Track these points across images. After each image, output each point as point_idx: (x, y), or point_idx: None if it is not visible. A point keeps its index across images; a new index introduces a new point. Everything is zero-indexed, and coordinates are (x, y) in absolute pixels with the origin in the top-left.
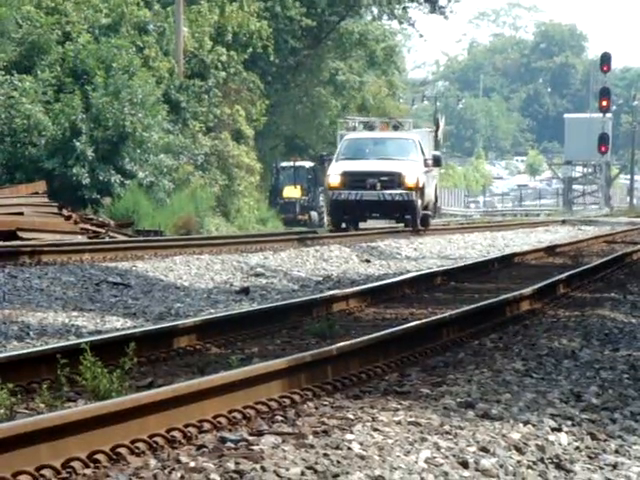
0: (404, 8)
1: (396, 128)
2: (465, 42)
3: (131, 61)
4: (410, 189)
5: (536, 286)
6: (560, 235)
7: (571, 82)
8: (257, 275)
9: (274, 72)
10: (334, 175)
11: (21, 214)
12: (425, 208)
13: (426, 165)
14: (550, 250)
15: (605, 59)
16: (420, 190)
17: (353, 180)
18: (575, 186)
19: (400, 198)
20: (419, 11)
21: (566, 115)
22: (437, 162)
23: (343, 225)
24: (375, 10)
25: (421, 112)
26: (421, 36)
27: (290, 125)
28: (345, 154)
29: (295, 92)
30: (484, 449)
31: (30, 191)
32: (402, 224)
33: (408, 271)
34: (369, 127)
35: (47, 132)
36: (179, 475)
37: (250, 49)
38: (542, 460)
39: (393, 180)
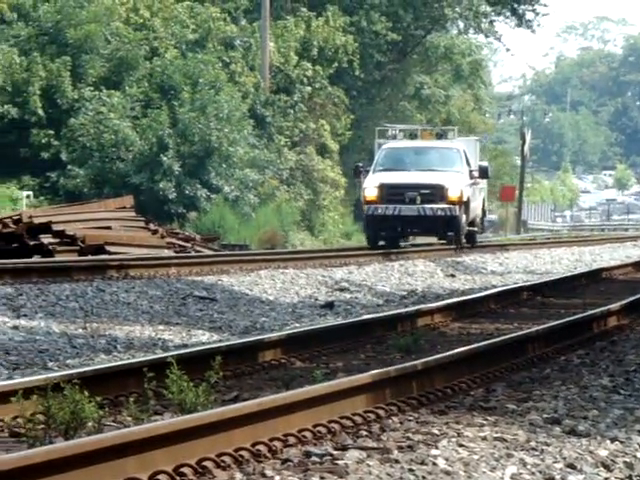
0: (491, 22)
1: (440, 137)
2: (552, 56)
3: (217, 76)
4: (453, 203)
5: (624, 301)
6: None
7: None
8: (342, 289)
9: (359, 86)
10: (370, 188)
11: (109, 228)
12: (471, 224)
13: (472, 177)
14: (639, 265)
15: None
16: (465, 204)
17: (391, 193)
18: None
19: (442, 213)
20: (506, 24)
21: None
22: (484, 174)
23: (381, 242)
24: (461, 24)
25: (507, 126)
26: (508, 50)
27: (374, 139)
28: (383, 165)
29: (380, 106)
30: (571, 466)
31: (118, 205)
32: (444, 241)
33: (494, 286)
34: (410, 135)
35: (134, 147)
36: None
37: (335, 64)
38: (630, 478)
39: (435, 193)
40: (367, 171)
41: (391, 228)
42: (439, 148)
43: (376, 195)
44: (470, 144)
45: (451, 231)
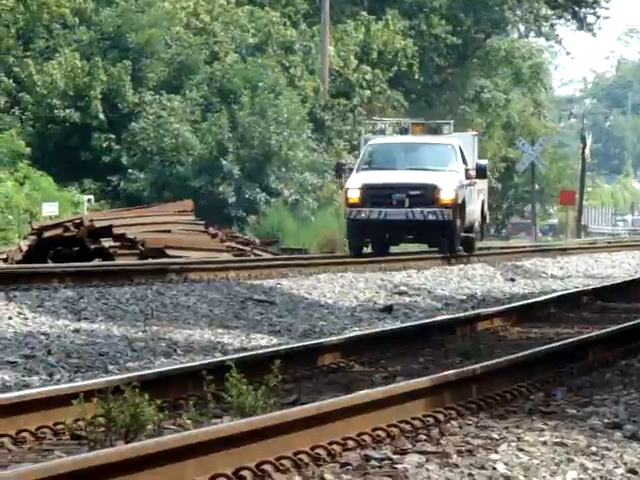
0: (551, 25)
1: (433, 131)
2: (613, 59)
3: (277, 80)
4: (446, 206)
5: None
6: None
7: None
8: (400, 293)
9: (419, 90)
10: (353, 189)
11: (169, 232)
12: (468, 230)
13: (468, 177)
14: None
15: None
16: (459, 207)
17: (376, 195)
18: None
19: (434, 217)
20: (566, 28)
21: None
22: (482, 173)
23: (366, 250)
24: (522, 27)
25: (568, 130)
26: (568, 53)
27: None
28: (368, 163)
29: (439, 110)
30: (632, 471)
31: (177, 209)
32: (436, 249)
33: (554, 290)
34: (400, 130)
35: (194, 151)
36: None
37: (395, 67)
38: None
39: (425, 195)
40: (351, 169)
41: (376, 234)
42: (431, 144)
43: (359, 197)
44: (467, 140)
45: (444, 238)
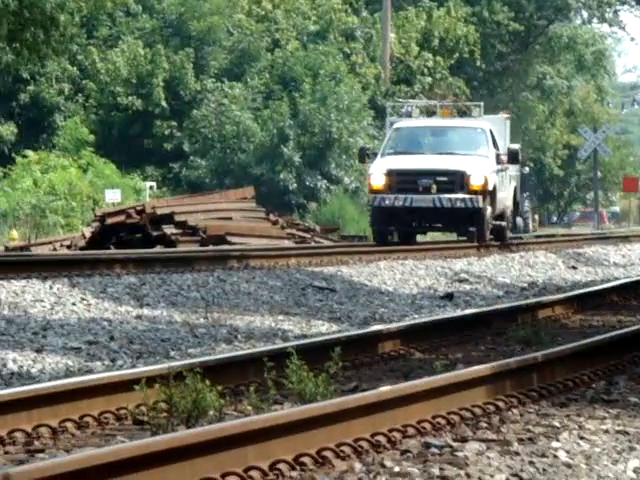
0: (615, 11)
1: (462, 114)
2: None
3: (338, 67)
4: (476, 192)
5: None
6: None
7: None
8: (461, 281)
9: (480, 77)
10: (377, 175)
11: (230, 219)
12: (499, 218)
13: (499, 162)
14: None
15: None
16: (490, 194)
17: (401, 181)
18: None
19: (462, 205)
20: (630, 14)
21: None
22: (514, 158)
23: (391, 238)
24: (585, 14)
25: (631, 117)
26: (632, 39)
27: None
28: (393, 147)
29: (502, 97)
30: None
31: (239, 196)
32: (465, 237)
33: (616, 278)
34: (427, 112)
35: (256, 138)
36: (384, 479)
37: (456, 54)
38: None
39: (454, 181)
40: (375, 154)
41: (401, 222)
42: (460, 128)
43: (384, 183)
44: (499, 123)
45: (473, 226)
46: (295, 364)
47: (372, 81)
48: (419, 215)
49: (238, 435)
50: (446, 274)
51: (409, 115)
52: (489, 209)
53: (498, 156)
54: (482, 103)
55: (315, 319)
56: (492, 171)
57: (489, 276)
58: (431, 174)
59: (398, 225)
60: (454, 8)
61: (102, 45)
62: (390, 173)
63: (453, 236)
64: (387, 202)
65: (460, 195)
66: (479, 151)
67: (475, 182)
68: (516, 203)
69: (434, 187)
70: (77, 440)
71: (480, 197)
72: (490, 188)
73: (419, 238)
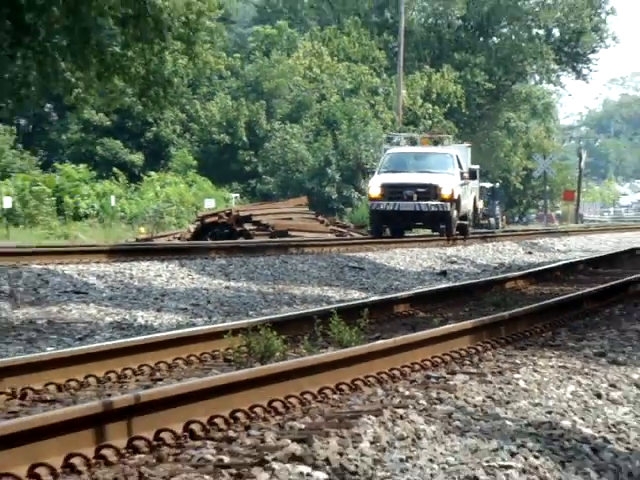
0: (557, 76)
1: (436, 143)
2: (601, 99)
3: (366, 114)
4: (445, 200)
5: None
6: None
7: None
8: (452, 262)
9: (465, 120)
10: (374, 187)
11: (290, 219)
12: (463, 218)
13: (462, 178)
14: None
15: None
16: (455, 201)
17: (391, 191)
18: None
19: (435, 209)
20: (568, 77)
21: None
22: (473, 175)
23: (385, 233)
24: (537, 77)
25: (570, 148)
26: (569, 95)
27: (476, 158)
28: (387, 167)
29: (479, 135)
30: (613, 385)
31: (296, 203)
32: (437, 234)
33: (559, 260)
34: (412, 142)
35: (308, 163)
36: (398, 400)
37: (448, 104)
38: None
39: (429, 192)
40: (373, 172)
41: (391, 221)
42: (434, 153)
43: (379, 193)
44: (462, 150)
45: (443, 224)
46: (336, 320)
47: (389, 123)
48: (404, 216)
49: (295, 370)
50: (441, 257)
51: (398, 144)
52: (455, 212)
53: (462, 174)
54: (451, 135)
55: (350, 289)
56: (457, 184)
57: (471, 259)
58: (413, 187)
59: (389, 224)
60: (447, 72)
61: (203, 98)
62: (384, 186)
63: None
64: (381, 207)
65: (434, 202)
66: (447, 170)
67: (444, 193)
68: (475, 208)
69: (415, 196)
70: (185, 372)
71: (448, 203)
72: (455, 197)
73: (418, 232)
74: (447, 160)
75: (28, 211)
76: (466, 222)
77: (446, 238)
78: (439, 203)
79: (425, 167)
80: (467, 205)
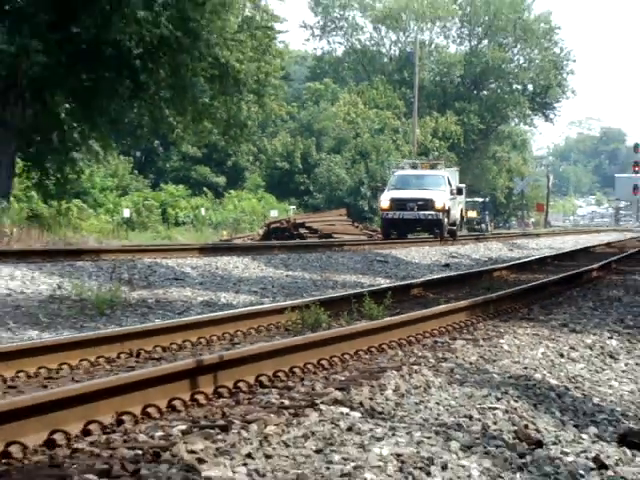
0: (531, 119)
1: (432, 167)
2: (563, 136)
3: (389, 147)
4: (438, 211)
5: (600, 263)
6: (613, 237)
7: (620, 156)
8: (453, 257)
9: (463, 152)
10: (385, 200)
11: (334, 225)
12: (452, 225)
13: (452, 194)
14: (607, 245)
15: (636, 147)
16: (446, 212)
17: (398, 204)
18: (622, 211)
19: (431, 217)
20: (539, 120)
21: (616, 175)
22: (459, 192)
23: (392, 236)
24: (516, 120)
25: (540, 173)
26: (540, 133)
27: (471, 180)
28: (394, 185)
29: (474, 162)
30: (572, 348)
31: (338, 213)
32: (432, 236)
33: (533, 255)
34: (414, 167)
35: (347, 183)
36: (413, 359)
37: (451, 140)
38: (602, 353)
39: (426, 204)
40: (383, 190)
41: (397, 227)
42: (431, 175)
43: (388, 205)
44: (452, 173)
45: (437, 229)
46: (367, 300)
47: (407, 154)
48: (407, 223)
49: (337, 337)
50: (445, 254)
51: (403, 168)
52: (446, 220)
53: (451, 190)
54: (443, 161)
55: (378, 277)
56: (447, 199)
57: (467, 254)
58: (414, 200)
59: (396, 229)
60: (449, 116)
61: (269, 136)
62: (392, 200)
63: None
64: (390, 216)
65: (430, 212)
66: (440, 188)
67: (438, 205)
68: (462, 217)
69: (416, 207)
70: (256, 338)
71: (441, 213)
72: (446, 208)
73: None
74: (440, 180)
75: (141, 219)
76: (455, 227)
77: (439, 240)
78: (433, 213)
79: (423, 185)
80: (455, 214)
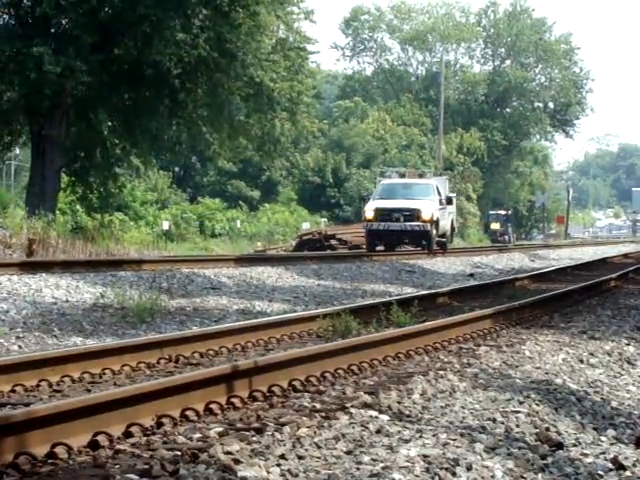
0: (552, 135)
1: (420, 176)
2: (583, 151)
3: (416, 162)
4: (426, 221)
5: (618, 273)
6: (630, 248)
7: (637, 171)
8: (477, 267)
9: (486, 167)
10: (369, 210)
11: (363, 237)
12: (442, 236)
13: (441, 204)
14: (624, 256)
15: None
16: (435, 223)
17: (383, 214)
18: (639, 223)
19: (418, 228)
20: (559, 136)
21: (634, 188)
22: (449, 201)
23: (378, 248)
24: (538, 136)
25: (561, 187)
26: (561, 149)
27: (494, 193)
28: (380, 195)
29: (497, 177)
30: (591, 354)
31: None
32: (420, 248)
33: (553, 266)
34: (401, 175)
35: None
36: (439, 365)
37: (475, 156)
38: (620, 359)
39: (413, 215)
40: (369, 199)
41: (382, 239)
42: (418, 184)
43: (373, 216)
44: (441, 181)
45: (424, 241)
46: (395, 308)
47: (433, 169)
48: (393, 234)
49: (366, 343)
50: (470, 264)
51: (390, 177)
52: (434, 231)
53: (440, 200)
54: (432, 169)
55: (405, 286)
56: (436, 209)
57: (491, 264)
58: (400, 211)
59: (381, 240)
60: (473, 133)
61: (301, 152)
62: (377, 210)
63: (475, 243)
64: (374, 227)
65: (416, 223)
66: (429, 197)
67: (425, 216)
68: (453, 228)
69: (402, 218)
70: (289, 344)
71: (428, 224)
72: (435, 219)
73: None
74: (428, 189)
75: (180, 231)
76: (444, 239)
77: (427, 253)
78: (421, 224)
79: (410, 195)
80: (445, 226)
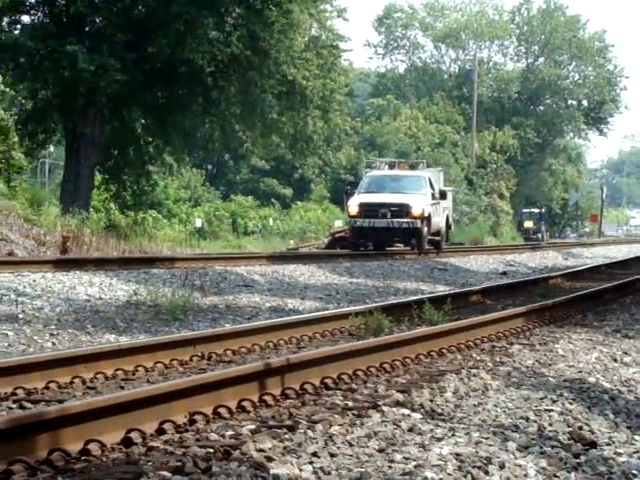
0: (586, 133)
1: (412, 167)
2: (617, 149)
3: (449, 160)
4: (416, 218)
5: None
6: None
7: None
8: (510, 265)
9: (520, 165)
10: (353, 206)
11: None
12: (436, 234)
13: (434, 198)
14: None
15: None
16: (426, 219)
17: (368, 210)
18: None
19: (407, 225)
20: (593, 134)
21: None
22: (443, 196)
23: (363, 247)
24: (571, 134)
25: (594, 185)
26: (594, 147)
27: (527, 191)
28: (365, 188)
29: (530, 175)
30: (625, 353)
31: None
32: (409, 248)
33: (586, 264)
34: (391, 166)
35: None
36: (472, 363)
37: (508, 153)
38: None
39: (402, 210)
40: (353, 193)
41: (367, 237)
42: (409, 176)
43: (357, 211)
44: (435, 174)
45: (414, 240)
46: (427, 306)
47: (466, 167)
48: (379, 232)
49: (399, 341)
50: (503, 262)
51: (378, 168)
52: (426, 229)
53: (433, 194)
54: (425, 160)
55: (438, 284)
56: (428, 204)
57: (524, 263)
58: (387, 206)
59: (366, 239)
60: (507, 131)
61: (334, 150)
62: (361, 205)
63: (508, 241)
64: (359, 224)
65: (405, 219)
66: (420, 191)
67: (415, 211)
68: (448, 225)
69: (389, 214)
70: (321, 342)
71: (418, 221)
72: (426, 215)
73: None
74: (420, 182)
75: (213, 229)
76: (438, 238)
77: (418, 253)
78: (410, 220)
79: (399, 188)
80: (439, 223)
